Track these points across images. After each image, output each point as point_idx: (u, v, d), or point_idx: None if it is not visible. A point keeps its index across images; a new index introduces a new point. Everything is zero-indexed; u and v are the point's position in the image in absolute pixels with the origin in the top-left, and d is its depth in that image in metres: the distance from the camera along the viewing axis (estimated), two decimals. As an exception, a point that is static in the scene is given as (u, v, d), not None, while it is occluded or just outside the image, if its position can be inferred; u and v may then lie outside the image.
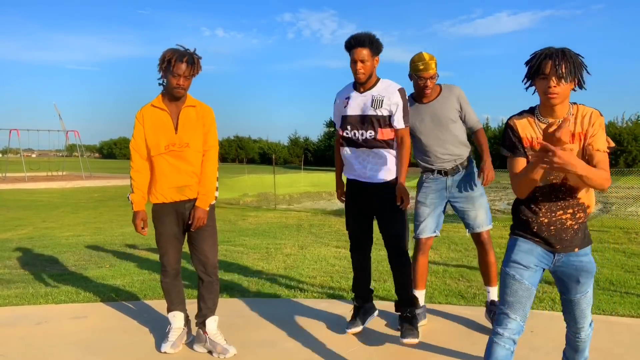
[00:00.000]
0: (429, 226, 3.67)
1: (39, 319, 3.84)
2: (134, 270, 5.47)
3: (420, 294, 3.70)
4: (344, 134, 3.38)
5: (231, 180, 17.60)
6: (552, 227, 2.27)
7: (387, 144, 3.29)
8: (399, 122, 3.27)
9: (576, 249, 2.33)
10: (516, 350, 3.21)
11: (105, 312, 4.03)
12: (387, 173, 3.31)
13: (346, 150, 3.40)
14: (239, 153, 65.35)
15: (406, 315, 3.36)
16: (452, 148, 3.61)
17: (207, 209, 3.18)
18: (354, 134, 3.33)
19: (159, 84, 3.16)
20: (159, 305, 4.17)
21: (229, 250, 6.67)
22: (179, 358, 3.17)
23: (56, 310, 4.09)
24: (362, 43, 3.19)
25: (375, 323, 3.72)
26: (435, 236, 3.74)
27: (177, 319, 3.30)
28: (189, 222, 3.17)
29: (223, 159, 66.43)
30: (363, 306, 3.55)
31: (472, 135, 3.74)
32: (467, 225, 3.70)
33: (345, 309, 4.07)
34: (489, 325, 3.68)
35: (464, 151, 3.66)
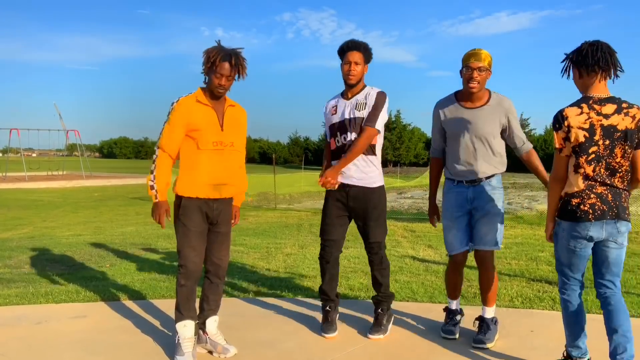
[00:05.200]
0: (459, 240, 3.40)
1: (39, 319, 3.84)
2: (134, 269, 5.47)
3: (453, 302, 3.60)
4: (336, 142, 3.44)
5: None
6: None
7: (369, 149, 3.40)
8: (368, 120, 3.35)
9: None
10: (516, 350, 3.22)
11: (105, 312, 4.03)
12: (373, 179, 3.44)
13: (336, 162, 3.43)
14: (239, 152, 65.18)
15: (381, 312, 3.53)
16: (484, 163, 3.32)
17: (239, 206, 3.46)
18: (344, 138, 3.41)
19: (204, 82, 3.11)
20: (160, 304, 4.17)
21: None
22: (173, 352, 3.16)
23: (56, 309, 4.09)
24: (357, 47, 3.39)
25: (376, 323, 3.71)
26: (467, 251, 3.45)
27: (188, 329, 3.09)
28: (215, 222, 3.18)
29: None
30: (335, 308, 3.57)
31: (518, 156, 3.38)
32: (474, 240, 3.40)
33: (345, 309, 4.07)
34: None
35: (496, 169, 3.36)
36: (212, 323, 3.25)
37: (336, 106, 3.49)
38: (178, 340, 3.09)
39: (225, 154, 3.10)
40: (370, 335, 3.45)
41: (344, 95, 3.50)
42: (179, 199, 3.10)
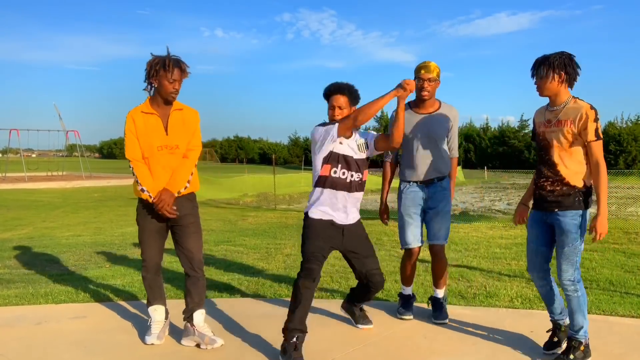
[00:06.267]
0: (416, 236, 3.81)
1: (39, 319, 3.84)
2: (134, 270, 5.47)
3: (407, 289, 4.02)
4: (332, 172, 3.25)
5: (231, 180, 17.60)
6: (537, 193, 3.07)
7: (363, 187, 3.39)
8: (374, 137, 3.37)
9: (555, 210, 2.97)
10: (516, 350, 3.22)
11: (105, 312, 4.02)
12: (357, 212, 3.45)
13: (330, 192, 3.27)
14: (239, 153, 65.32)
15: (362, 308, 3.72)
16: (438, 163, 3.74)
17: (174, 194, 3.28)
18: (343, 173, 3.26)
19: (144, 89, 3.31)
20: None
21: (229, 250, 6.67)
22: (172, 352, 3.17)
23: (56, 310, 4.09)
24: (340, 90, 3.30)
25: (376, 323, 3.71)
26: (421, 245, 3.86)
27: (158, 313, 3.44)
28: (169, 215, 3.28)
29: (223, 158, 66.42)
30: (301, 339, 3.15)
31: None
32: (429, 236, 3.82)
33: (345, 309, 4.07)
34: (488, 325, 3.67)
35: (445, 170, 3.79)
36: (198, 316, 3.38)
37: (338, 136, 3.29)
38: (149, 322, 3.43)
39: (171, 156, 3.31)
40: (362, 326, 3.65)
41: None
42: (138, 200, 3.37)
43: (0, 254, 6.40)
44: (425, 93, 3.64)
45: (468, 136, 45.08)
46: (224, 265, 5.67)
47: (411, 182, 3.77)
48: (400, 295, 4.04)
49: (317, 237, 3.27)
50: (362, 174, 3.34)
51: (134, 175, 3.30)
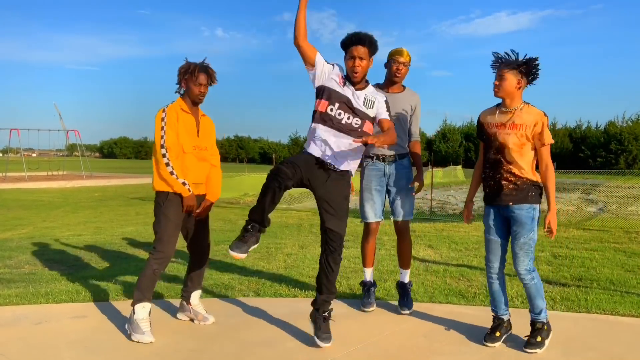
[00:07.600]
0: (376, 212, 3.95)
1: (39, 319, 3.84)
2: (134, 270, 5.47)
3: (368, 271, 4.10)
4: (328, 109, 3.25)
5: (231, 180, 17.58)
6: (494, 188, 3.20)
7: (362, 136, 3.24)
8: (385, 115, 3.38)
9: (510, 204, 3.14)
10: (516, 350, 3.22)
11: (105, 312, 4.02)
12: (349, 164, 3.34)
13: (324, 129, 3.27)
14: (239, 153, 65.36)
15: (325, 316, 3.33)
16: (400, 140, 3.93)
17: (214, 202, 3.71)
18: (340, 113, 3.24)
19: (176, 92, 3.56)
20: (159, 305, 4.17)
21: (229, 249, 6.66)
22: (173, 352, 3.17)
23: (56, 309, 4.09)
24: (362, 41, 3.24)
25: (376, 323, 3.71)
26: (380, 221, 4.00)
27: (145, 310, 3.45)
28: (194, 213, 3.56)
29: (223, 158, 66.46)
30: (258, 230, 3.34)
31: (408, 143, 4.11)
32: (393, 213, 3.99)
33: (345, 309, 4.07)
34: (489, 324, 3.67)
35: (405, 146, 4.02)
36: (195, 296, 3.77)
37: (345, 81, 3.30)
38: (135, 320, 3.37)
39: (201, 156, 3.58)
40: (322, 344, 3.23)
41: (351, 82, 3.31)
42: (164, 193, 3.46)
43: (1, 254, 6.40)
44: (398, 75, 3.90)
45: (468, 136, 45.03)
46: (223, 265, 5.66)
47: (374, 159, 3.91)
48: (362, 283, 4.13)
49: (302, 164, 3.36)
50: (363, 123, 3.35)
51: (168, 166, 3.38)
